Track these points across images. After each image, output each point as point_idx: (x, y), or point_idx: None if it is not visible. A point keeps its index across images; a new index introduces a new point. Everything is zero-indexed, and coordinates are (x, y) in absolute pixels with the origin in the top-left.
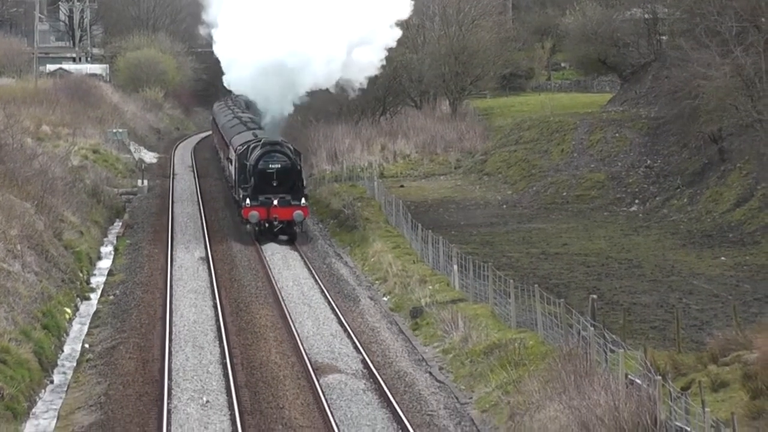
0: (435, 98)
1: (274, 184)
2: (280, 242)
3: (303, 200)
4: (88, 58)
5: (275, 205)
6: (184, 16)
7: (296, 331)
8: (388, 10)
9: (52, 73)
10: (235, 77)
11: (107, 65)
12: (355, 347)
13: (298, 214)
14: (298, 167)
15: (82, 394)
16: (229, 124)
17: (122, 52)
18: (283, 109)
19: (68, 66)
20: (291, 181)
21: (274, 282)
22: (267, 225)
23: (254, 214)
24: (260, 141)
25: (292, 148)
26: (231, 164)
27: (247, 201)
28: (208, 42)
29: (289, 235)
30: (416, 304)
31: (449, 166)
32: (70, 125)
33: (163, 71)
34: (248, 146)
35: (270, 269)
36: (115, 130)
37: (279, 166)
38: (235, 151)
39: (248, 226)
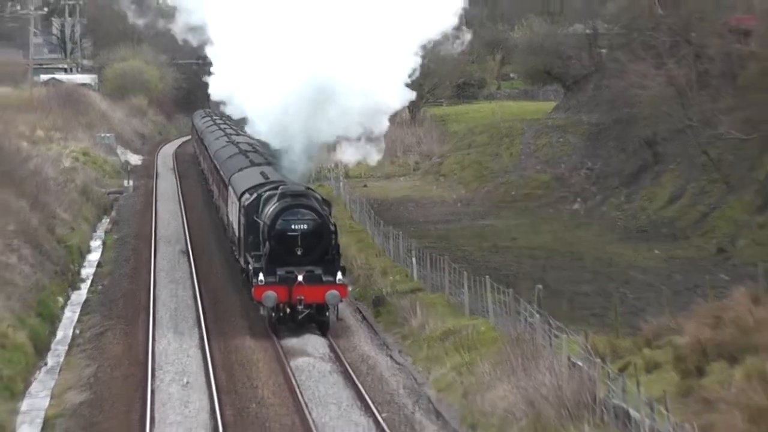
0: None
1: (299, 253)
2: None
3: (339, 275)
4: (79, 69)
5: (300, 282)
6: (167, 29)
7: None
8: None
9: (46, 83)
10: (251, 102)
11: (96, 75)
12: (323, 333)
13: (332, 295)
14: (331, 227)
15: (73, 376)
16: (224, 153)
17: (110, 63)
18: (314, 145)
19: (60, 76)
20: (322, 247)
21: None
22: (288, 310)
23: (270, 296)
24: (277, 189)
25: (320, 197)
26: (231, 211)
27: (260, 276)
28: (189, 53)
29: (319, 324)
30: (378, 294)
31: (409, 168)
32: (62, 130)
33: (147, 80)
34: (260, 196)
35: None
36: (103, 135)
37: (305, 227)
38: (239, 199)
39: (261, 310)
